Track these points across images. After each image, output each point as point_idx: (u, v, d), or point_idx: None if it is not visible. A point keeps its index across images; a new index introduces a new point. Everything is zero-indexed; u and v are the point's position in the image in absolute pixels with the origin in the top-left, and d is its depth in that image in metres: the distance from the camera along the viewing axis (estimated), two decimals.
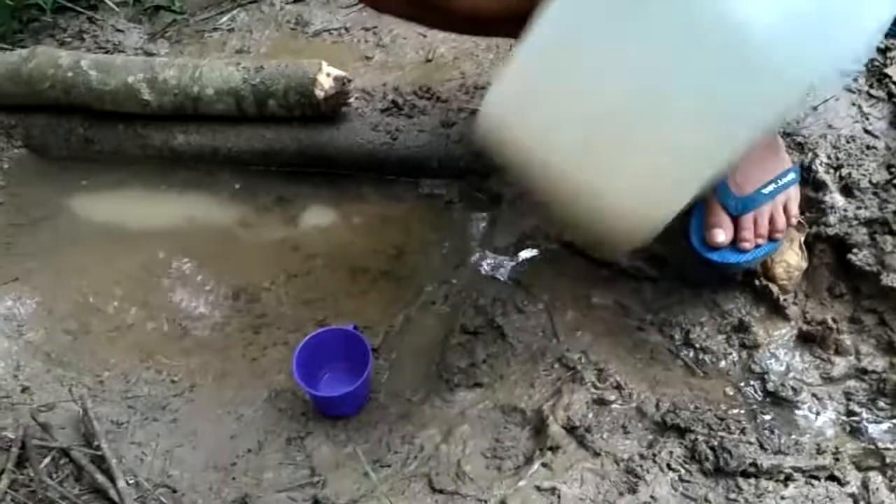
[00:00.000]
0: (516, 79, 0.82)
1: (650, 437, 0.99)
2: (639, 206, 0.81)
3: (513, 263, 1.21)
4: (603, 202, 0.81)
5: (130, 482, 0.97)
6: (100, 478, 0.96)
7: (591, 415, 1.00)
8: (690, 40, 0.74)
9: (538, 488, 0.94)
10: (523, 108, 0.82)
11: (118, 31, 1.63)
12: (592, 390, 1.02)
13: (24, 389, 1.10)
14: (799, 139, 1.16)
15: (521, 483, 0.95)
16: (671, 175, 0.80)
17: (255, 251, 1.31)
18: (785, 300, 1.06)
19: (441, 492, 0.95)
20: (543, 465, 0.97)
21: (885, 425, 0.98)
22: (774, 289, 1.06)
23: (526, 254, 1.21)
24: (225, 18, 1.69)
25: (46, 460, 0.99)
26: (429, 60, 1.57)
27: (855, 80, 1.23)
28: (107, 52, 1.58)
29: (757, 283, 1.07)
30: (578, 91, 0.78)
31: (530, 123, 0.82)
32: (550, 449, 0.98)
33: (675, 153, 0.78)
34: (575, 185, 0.82)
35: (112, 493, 0.94)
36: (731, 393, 1.02)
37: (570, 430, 0.99)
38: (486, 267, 1.22)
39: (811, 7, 0.73)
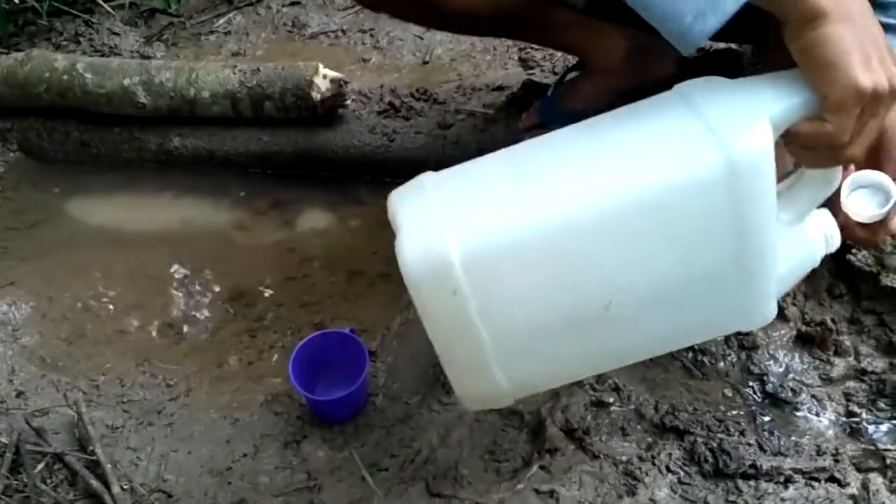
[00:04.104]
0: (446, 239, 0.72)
1: (649, 439, 0.98)
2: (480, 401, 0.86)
3: None
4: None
5: (125, 487, 0.96)
6: (94, 483, 0.96)
7: (589, 417, 0.99)
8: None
9: (537, 491, 0.94)
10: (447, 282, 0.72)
11: (114, 34, 1.64)
12: (591, 392, 1.01)
13: (19, 394, 1.10)
14: None
15: (520, 486, 0.94)
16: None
17: (252, 254, 1.30)
18: (784, 301, 1.06)
19: (439, 496, 0.95)
20: (542, 467, 0.96)
21: (885, 426, 0.98)
22: None
23: None
24: (221, 21, 1.69)
25: (40, 466, 0.99)
26: (426, 62, 1.57)
27: None
28: (103, 56, 1.58)
29: None
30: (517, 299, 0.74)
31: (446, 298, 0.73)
32: (549, 451, 0.97)
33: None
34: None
35: (107, 498, 0.94)
36: (730, 394, 1.02)
37: (569, 432, 0.98)
38: None
39: None
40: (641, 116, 0.75)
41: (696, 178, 0.69)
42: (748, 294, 0.76)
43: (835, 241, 0.80)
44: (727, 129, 0.69)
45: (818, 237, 0.79)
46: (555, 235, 0.71)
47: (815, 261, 0.80)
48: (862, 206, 0.77)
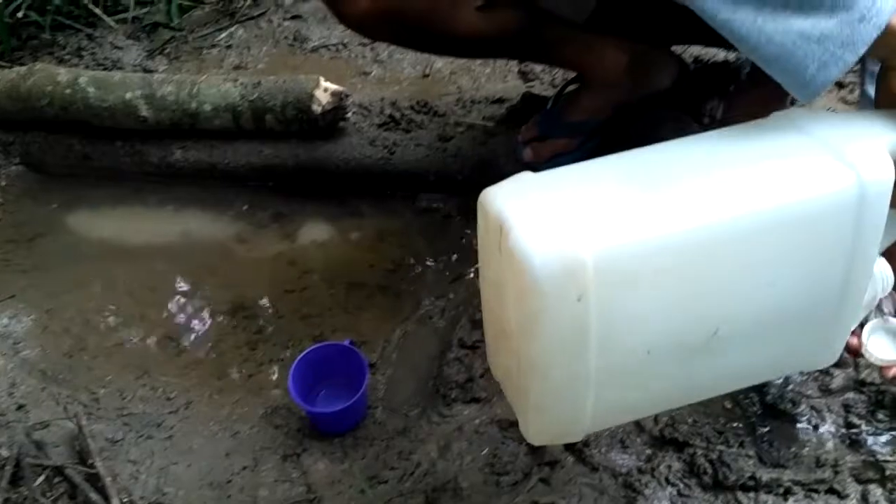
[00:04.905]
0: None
1: (648, 451, 0.98)
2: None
3: None
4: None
5: (125, 500, 0.96)
6: (94, 496, 0.96)
7: None
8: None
9: None
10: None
11: (117, 48, 1.65)
12: None
13: (20, 407, 1.10)
14: None
15: (519, 498, 0.94)
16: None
17: (252, 267, 1.31)
18: None
19: None
20: (542, 480, 0.96)
21: (885, 437, 0.97)
22: None
23: None
24: (223, 35, 1.70)
25: (41, 479, 0.99)
26: (426, 75, 1.58)
27: None
28: (105, 69, 1.59)
29: None
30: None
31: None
32: (548, 464, 0.97)
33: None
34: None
35: None
36: (730, 406, 1.01)
37: (568, 444, 0.98)
38: None
39: None
40: (755, 138, 0.75)
41: (829, 199, 0.69)
42: (831, 330, 0.77)
43: (889, 284, 0.81)
44: (856, 156, 0.69)
45: (878, 279, 0.80)
46: (688, 246, 0.68)
47: (874, 303, 0.81)
48: (882, 349, 0.82)
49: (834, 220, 0.70)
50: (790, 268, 0.71)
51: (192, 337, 1.21)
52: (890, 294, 0.83)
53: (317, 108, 1.32)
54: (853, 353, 0.83)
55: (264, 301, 1.24)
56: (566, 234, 0.65)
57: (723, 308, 0.72)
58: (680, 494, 0.94)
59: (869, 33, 0.68)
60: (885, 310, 0.84)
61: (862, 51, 0.69)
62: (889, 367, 0.83)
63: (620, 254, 0.66)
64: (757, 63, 0.73)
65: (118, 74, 1.44)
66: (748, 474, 0.93)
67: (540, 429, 0.78)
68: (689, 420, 0.99)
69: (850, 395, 1.01)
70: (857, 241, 0.71)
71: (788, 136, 0.74)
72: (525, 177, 0.74)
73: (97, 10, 1.69)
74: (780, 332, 0.76)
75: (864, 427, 0.98)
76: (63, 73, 1.41)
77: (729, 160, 0.73)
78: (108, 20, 1.67)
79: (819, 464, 0.95)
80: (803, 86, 0.72)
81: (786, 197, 0.69)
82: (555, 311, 0.66)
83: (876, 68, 0.81)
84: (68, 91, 1.38)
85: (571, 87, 1.28)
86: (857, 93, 1.24)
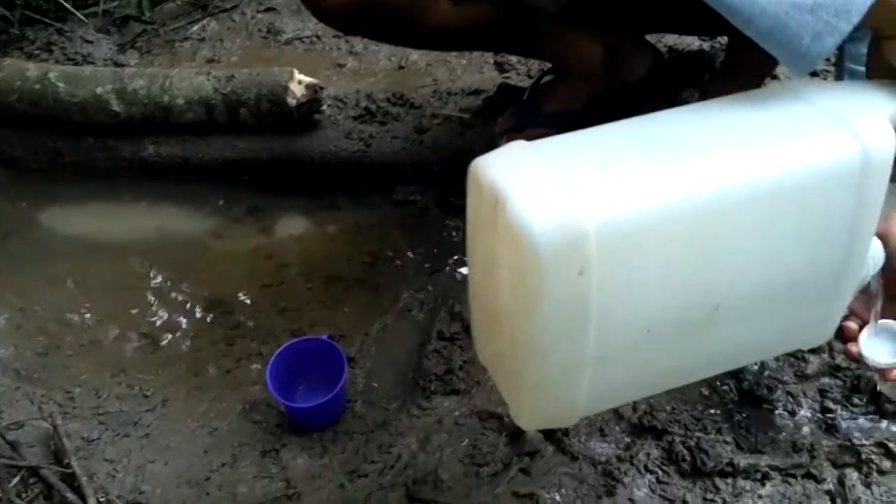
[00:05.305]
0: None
1: (627, 439, 0.98)
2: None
3: None
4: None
5: (102, 500, 0.95)
6: (70, 496, 0.95)
7: None
8: None
9: (516, 494, 0.94)
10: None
11: (87, 42, 1.62)
12: None
13: None
14: None
15: (500, 489, 0.94)
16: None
17: (228, 261, 1.29)
18: None
19: (419, 500, 0.94)
20: (521, 470, 0.96)
21: (860, 421, 0.99)
22: None
23: None
24: (195, 28, 1.68)
25: (16, 480, 0.98)
26: (401, 67, 1.57)
27: None
28: (76, 64, 1.56)
29: None
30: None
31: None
32: (528, 454, 0.97)
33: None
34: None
35: None
36: (707, 393, 1.02)
37: (548, 434, 0.99)
38: (462, 273, 1.22)
39: None
40: (757, 106, 0.73)
41: (833, 166, 0.67)
42: (828, 305, 0.76)
43: (879, 261, 0.80)
44: (859, 123, 0.68)
45: (869, 255, 0.79)
46: (691, 214, 0.65)
47: (865, 280, 0.80)
48: (880, 353, 0.81)
49: (837, 188, 0.68)
50: (793, 237, 0.70)
51: (169, 334, 1.19)
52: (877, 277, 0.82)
53: (291, 101, 1.31)
54: (853, 359, 0.83)
55: (241, 296, 1.23)
56: (566, 202, 0.61)
57: (725, 280, 0.70)
58: (659, 481, 0.94)
59: (863, 1, 0.67)
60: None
61: (856, 20, 0.67)
62: (890, 370, 0.83)
63: (624, 222, 0.63)
64: (751, 37, 0.72)
65: (89, 69, 1.41)
66: (726, 460, 0.94)
67: (534, 413, 0.75)
68: (668, 407, 1.00)
69: (826, 380, 1.02)
70: (859, 210, 0.70)
71: (790, 105, 0.72)
72: (518, 145, 0.69)
73: (67, 4, 1.65)
74: (779, 307, 0.74)
75: (839, 412, 0.99)
76: (32, 69, 1.39)
77: (731, 128, 0.71)
78: (78, 14, 1.65)
79: (796, 449, 0.96)
80: (799, 58, 0.70)
81: (790, 164, 0.67)
82: (555, 286, 0.63)
83: (854, 66, 0.81)
84: (38, 86, 1.36)
85: (547, 78, 1.28)
86: (829, 80, 1.25)
